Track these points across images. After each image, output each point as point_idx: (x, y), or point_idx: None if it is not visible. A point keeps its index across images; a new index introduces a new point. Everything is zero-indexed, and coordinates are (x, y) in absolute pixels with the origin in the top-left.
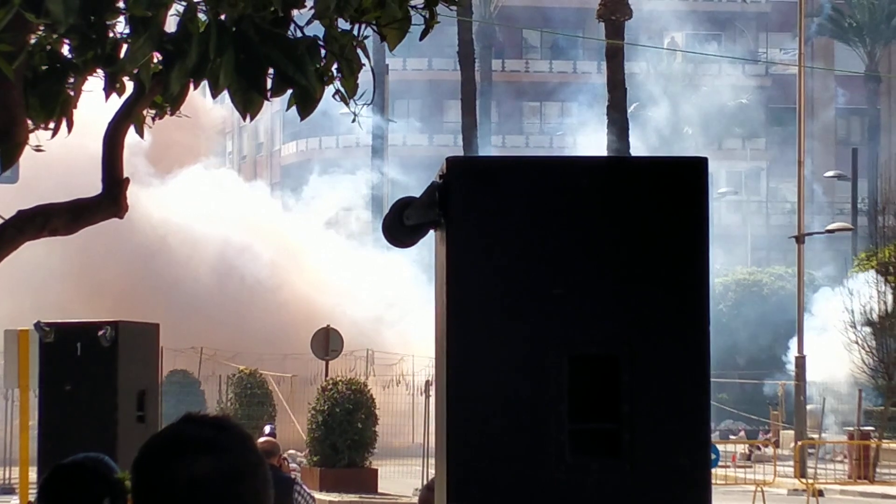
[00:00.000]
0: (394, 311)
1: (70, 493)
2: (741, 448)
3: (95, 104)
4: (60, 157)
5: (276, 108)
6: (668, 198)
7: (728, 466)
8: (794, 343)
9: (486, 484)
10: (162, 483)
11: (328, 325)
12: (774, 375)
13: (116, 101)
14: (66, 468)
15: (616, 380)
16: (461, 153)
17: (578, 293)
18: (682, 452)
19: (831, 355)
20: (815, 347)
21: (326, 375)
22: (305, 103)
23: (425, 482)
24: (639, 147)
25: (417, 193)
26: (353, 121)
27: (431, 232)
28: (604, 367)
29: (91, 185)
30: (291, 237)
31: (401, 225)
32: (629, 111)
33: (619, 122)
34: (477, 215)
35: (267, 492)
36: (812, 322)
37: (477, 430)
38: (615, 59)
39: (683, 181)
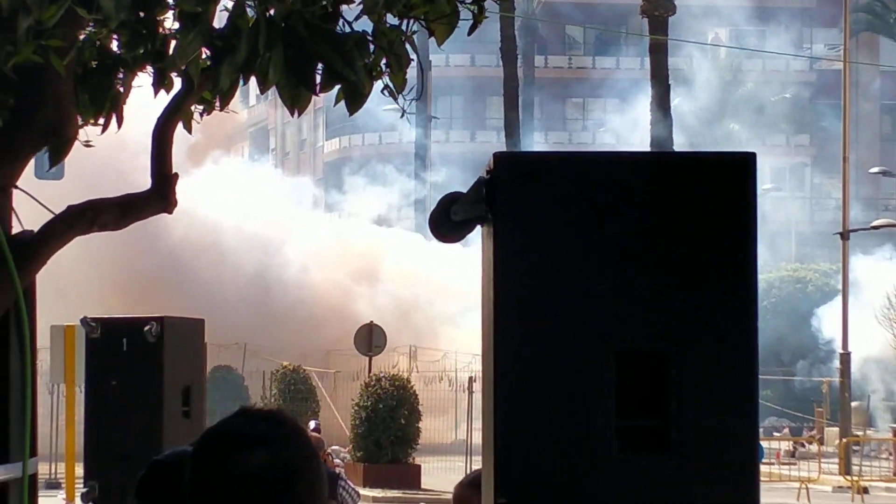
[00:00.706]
0: (437, 307)
1: (169, 488)
2: (785, 445)
3: (137, 100)
4: (99, 152)
5: (318, 105)
6: (717, 193)
7: (772, 463)
8: (838, 339)
9: (534, 480)
10: (217, 476)
11: (371, 322)
12: (819, 372)
13: (162, 98)
14: (164, 464)
15: (663, 376)
16: (504, 150)
17: (626, 289)
18: (730, 449)
19: (877, 348)
20: (861, 343)
21: (369, 371)
22: (354, 98)
23: None
24: (682, 143)
25: (460, 189)
26: (402, 116)
27: (478, 227)
28: (651, 364)
29: (128, 179)
30: (334, 234)
31: (447, 220)
32: (672, 106)
33: (662, 117)
34: (524, 211)
35: (320, 485)
36: (857, 316)
37: (524, 426)
38: (659, 55)
39: (732, 176)
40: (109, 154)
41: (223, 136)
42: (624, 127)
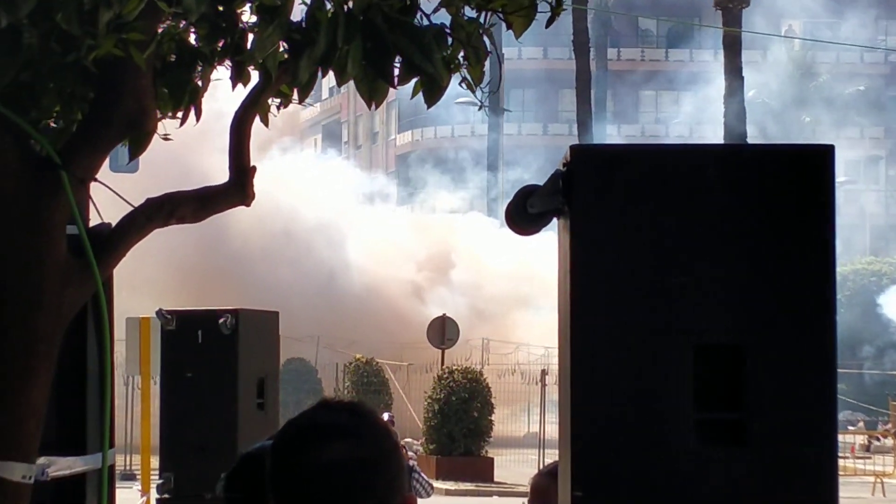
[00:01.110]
0: (510, 300)
1: (258, 481)
2: (860, 439)
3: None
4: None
5: (391, 98)
6: (795, 186)
7: (847, 457)
8: None
9: (610, 473)
10: (297, 468)
11: (444, 315)
12: (894, 365)
13: (238, 91)
14: (253, 457)
15: (741, 369)
16: (576, 142)
17: (704, 282)
18: (808, 442)
19: None
20: None
21: (442, 364)
22: (432, 91)
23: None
24: (756, 135)
25: (532, 182)
26: (480, 108)
27: (554, 220)
28: (729, 357)
29: (194, 172)
30: (407, 226)
31: (524, 213)
32: (746, 99)
33: (736, 110)
34: (601, 203)
35: (401, 479)
36: None
37: (601, 419)
38: (732, 48)
39: (810, 169)
40: (176, 147)
41: (296, 129)
42: (697, 120)
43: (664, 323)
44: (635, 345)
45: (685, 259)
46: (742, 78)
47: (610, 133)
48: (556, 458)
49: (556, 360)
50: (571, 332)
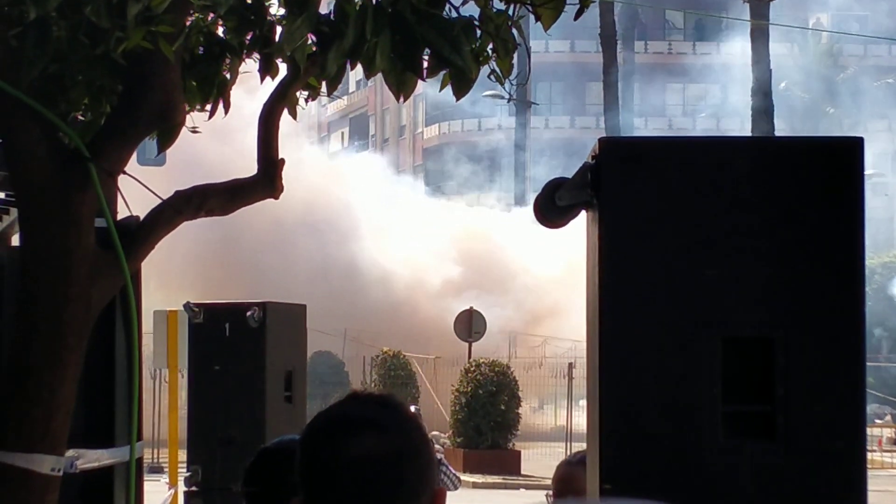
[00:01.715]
0: (537, 293)
1: (277, 476)
2: (888, 432)
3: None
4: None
5: (418, 91)
6: (824, 178)
7: (874, 450)
8: None
9: (639, 465)
10: (326, 461)
11: (471, 308)
12: None
13: (269, 84)
14: (272, 452)
15: (770, 362)
16: (603, 135)
17: (733, 275)
18: (837, 436)
19: None
20: None
21: (469, 357)
22: (461, 84)
23: None
24: (784, 128)
25: (560, 175)
26: (509, 101)
27: (583, 213)
28: (758, 350)
29: (217, 166)
30: (434, 219)
31: (552, 205)
32: (774, 92)
33: (763, 103)
34: (629, 196)
35: (431, 472)
36: None
37: (629, 412)
38: (760, 40)
39: (839, 161)
40: (204, 140)
41: (324, 122)
42: (724, 112)
43: (693, 316)
44: (664, 337)
45: (714, 252)
46: (770, 71)
47: (637, 126)
48: (585, 451)
49: (583, 353)
50: (600, 325)
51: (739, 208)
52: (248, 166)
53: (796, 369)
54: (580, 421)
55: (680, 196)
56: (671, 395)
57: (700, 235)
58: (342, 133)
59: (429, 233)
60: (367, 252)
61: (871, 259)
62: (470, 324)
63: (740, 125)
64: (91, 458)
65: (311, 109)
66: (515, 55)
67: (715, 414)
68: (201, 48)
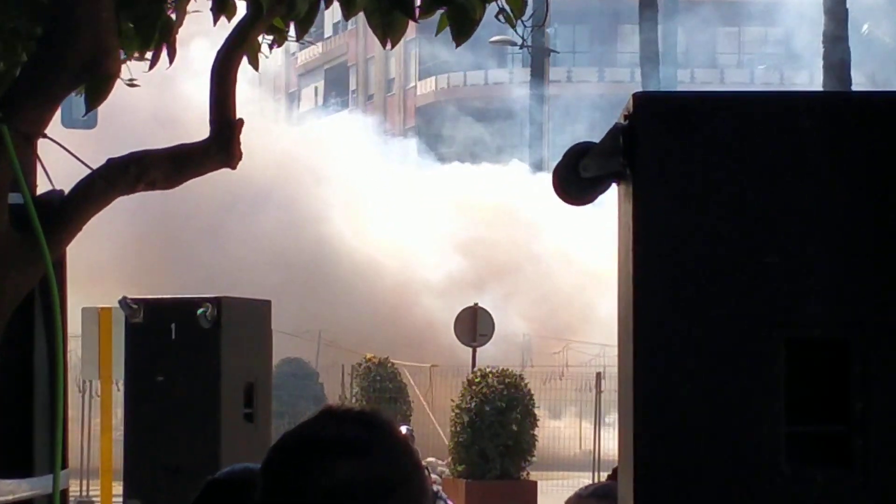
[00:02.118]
0: (558, 286)
1: None
2: None
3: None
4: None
5: (410, 37)
6: None
7: None
8: None
9: (682, 500)
10: (296, 491)
11: (476, 305)
12: None
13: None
14: (223, 483)
15: (846, 371)
16: (640, 90)
17: (800, 261)
18: None
19: None
20: None
21: (473, 366)
22: (462, 25)
23: None
24: (862, 82)
25: (585, 139)
26: (521, 47)
27: (613, 186)
28: (831, 356)
29: (169, 130)
30: (430, 194)
31: (576, 177)
32: (851, 38)
33: (838, 51)
34: (671, 165)
35: None
36: None
37: (670, 432)
38: None
39: None
40: (146, 98)
41: (293, 74)
42: (790, 63)
43: (750, 313)
44: (713, 341)
45: (775, 233)
46: (846, 11)
47: (681, 79)
48: (617, 479)
49: (614, 360)
50: (635, 327)
51: (808, 181)
52: (198, 129)
53: (878, 379)
54: (611, 445)
55: (732, 165)
56: (722, 412)
57: (758, 214)
58: (315, 88)
59: (423, 212)
60: (346, 236)
61: None
62: (474, 324)
63: (810, 78)
64: (4, 491)
65: (277, 58)
66: None
67: (777, 435)
68: None
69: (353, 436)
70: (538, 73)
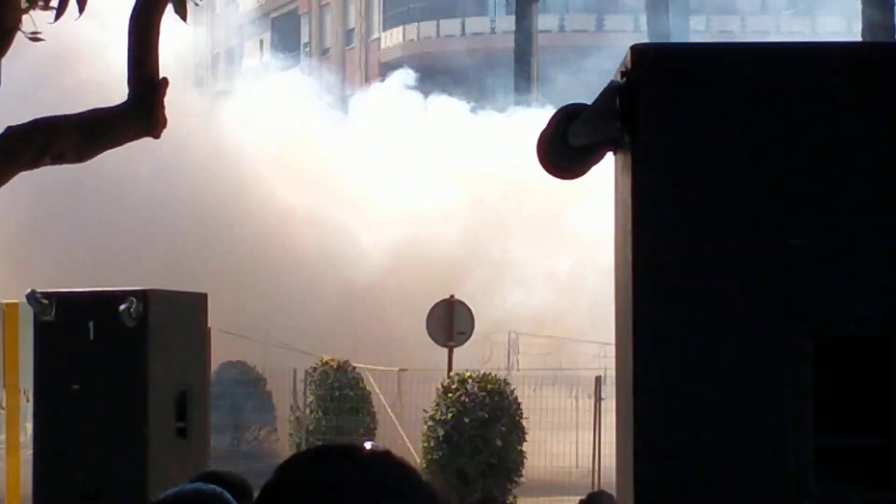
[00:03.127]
0: (548, 274)
1: None
2: None
3: None
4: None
5: None
6: None
7: None
8: None
9: None
10: None
11: (452, 296)
12: None
13: None
14: None
15: (886, 373)
16: (641, 42)
17: (830, 245)
18: None
19: None
20: None
21: (450, 369)
22: None
23: None
24: None
25: (580, 101)
26: None
27: (609, 156)
28: (869, 356)
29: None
30: (395, 167)
31: (564, 146)
32: None
33: None
34: (676, 130)
35: None
36: None
37: (676, 443)
38: None
39: None
40: (58, 56)
41: (232, 25)
42: (822, 11)
43: (771, 305)
44: (728, 337)
45: (803, 212)
46: None
47: (695, 29)
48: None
49: (614, 361)
50: (635, 318)
51: (841, 148)
52: (115, 93)
53: None
54: (612, 461)
55: (751, 131)
56: (738, 422)
57: (781, 189)
58: (260, 42)
59: (385, 185)
60: (295, 216)
61: None
62: (451, 320)
63: (846, 26)
64: None
65: (214, 6)
66: None
67: (804, 449)
68: None
69: (374, 484)
70: (524, 20)
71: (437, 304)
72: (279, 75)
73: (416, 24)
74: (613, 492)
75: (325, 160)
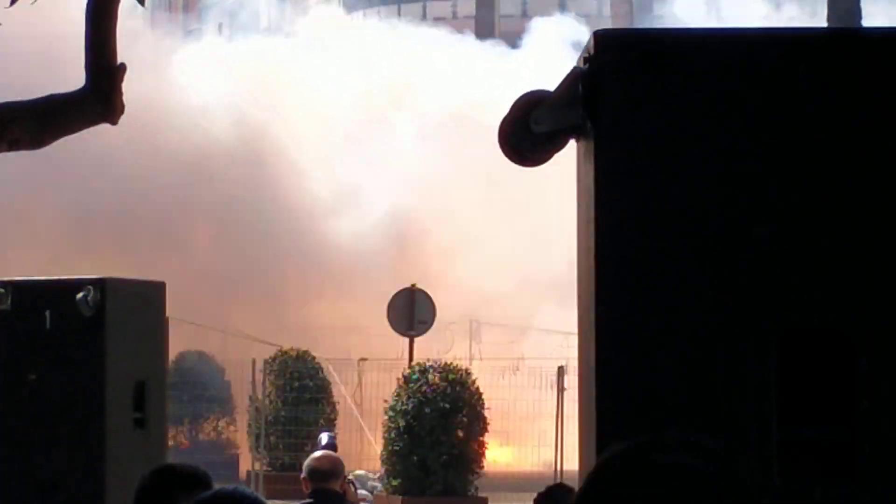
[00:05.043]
0: (510, 263)
1: None
2: None
3: None
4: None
5: None
6: None
7: None
8: None
9: None
10: None
11: (413, 285)
12: None
13: None
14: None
15: (850, 366)
16: (603, 28)
17: (794, 235)
18: None
19: None
20: None
21: (411, 359)
22: None
23: None
24: (873, 13)
25: (547, 86)
26: None
27: (571, 143)
28: (832, 350)
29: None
30: (348, 126)
31: (526, 133)
32: None
33: None
34: (640, 117)
35: None
36: None
37: (639, 434)
38: None
39: None
40: (20, 42)
41: (191, 4)
42: None
43: (734, 297)
44: (691, 329)
45: (767, 200)
46: None
47: (662, 13)
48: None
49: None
50: (597, 310)
51: (807, 136)
52: (73, 78)
53: (888, 376)
54: (575, 452)
55: (716, 118)
56: (700, 414)
57: (746, 177)
58: (220, 25)
59: (340, 154)
60: (253, 196)
61: None
62: (411, 309)
63: (812, 11)
64: None
65: None
66: None
67: (768, 442)
68: None
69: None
70: (486, 5)
71: (397, 293)
72: (233, 45)
73: (376, 9)
74: (575, 484)
75: (273, 138)
